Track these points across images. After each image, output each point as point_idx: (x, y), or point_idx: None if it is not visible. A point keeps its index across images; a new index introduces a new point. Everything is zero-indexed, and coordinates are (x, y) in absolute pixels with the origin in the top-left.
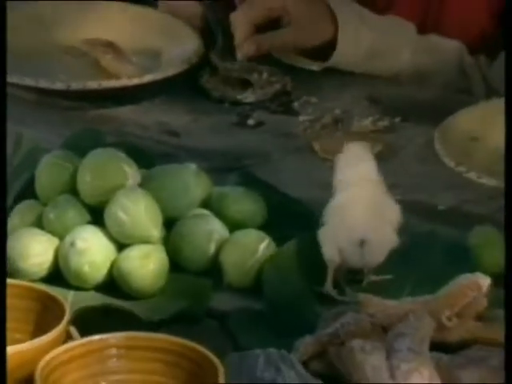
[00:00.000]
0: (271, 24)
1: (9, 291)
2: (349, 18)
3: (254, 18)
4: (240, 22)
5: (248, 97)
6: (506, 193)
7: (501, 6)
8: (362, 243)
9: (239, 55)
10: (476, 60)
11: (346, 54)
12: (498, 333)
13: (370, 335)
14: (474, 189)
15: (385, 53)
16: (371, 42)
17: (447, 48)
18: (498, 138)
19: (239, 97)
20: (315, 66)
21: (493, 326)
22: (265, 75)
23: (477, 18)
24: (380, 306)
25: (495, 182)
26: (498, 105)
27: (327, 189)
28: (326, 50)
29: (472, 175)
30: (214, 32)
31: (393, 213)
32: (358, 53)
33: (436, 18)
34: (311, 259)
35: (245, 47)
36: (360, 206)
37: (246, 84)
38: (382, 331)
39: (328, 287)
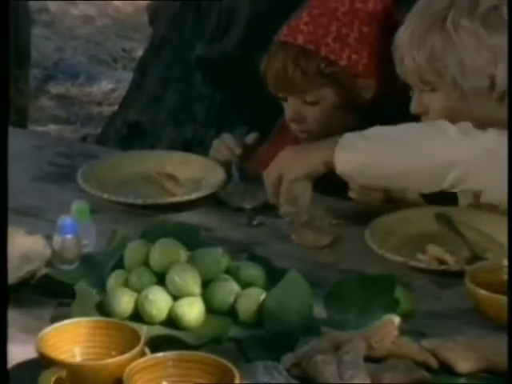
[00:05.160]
0: None
1: (107, 326)
2: None
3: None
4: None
5: (246, 205)
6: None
7: None
8: None
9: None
10: None
11: None
12: (405, 351)
13: (327, 352)
14: (389, 263)
15: None
16: None
17: None
18: (403, 231)
19: (241, 205)
20: None
21: (401, 347)
22: (256, 193)
23: None
24: (335, 335)
25: (402, 260)
26: (405, 213)
27: (302, 262)
28: None
29: (387, 255)
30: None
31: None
32: None
33: None
34: (287, 301)
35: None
36: None
37: (245, 197)
38: (335, 350)
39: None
